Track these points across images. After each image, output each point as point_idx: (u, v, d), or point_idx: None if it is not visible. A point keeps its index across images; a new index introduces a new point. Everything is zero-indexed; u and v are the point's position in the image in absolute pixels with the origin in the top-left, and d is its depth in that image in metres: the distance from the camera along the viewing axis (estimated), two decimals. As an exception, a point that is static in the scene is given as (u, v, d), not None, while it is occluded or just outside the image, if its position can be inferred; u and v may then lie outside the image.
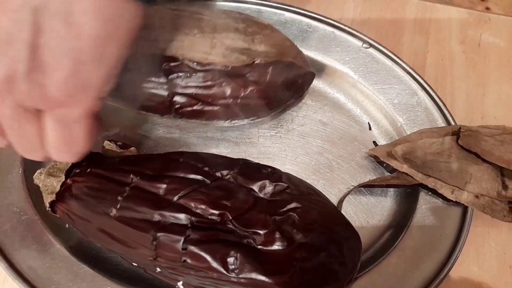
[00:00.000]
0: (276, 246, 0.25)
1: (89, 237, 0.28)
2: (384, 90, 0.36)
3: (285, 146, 0.35)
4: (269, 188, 0.27)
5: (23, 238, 0.29)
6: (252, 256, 0.24)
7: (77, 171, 0.27)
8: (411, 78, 0.36)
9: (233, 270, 0.24)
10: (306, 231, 0.25)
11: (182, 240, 0.24)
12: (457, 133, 0.32)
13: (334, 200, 0.33)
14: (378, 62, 0.37)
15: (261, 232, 0.25)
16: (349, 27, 0.37)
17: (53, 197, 0.27)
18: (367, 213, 0.33)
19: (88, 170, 0.27)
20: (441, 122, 0.35)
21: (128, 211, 0.25)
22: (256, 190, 0.27)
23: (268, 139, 0.35)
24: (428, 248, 0.31)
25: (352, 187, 0.33)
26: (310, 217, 0.26)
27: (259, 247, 0.25)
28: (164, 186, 0.26)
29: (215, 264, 0.24)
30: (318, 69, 0.37)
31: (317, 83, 0.37)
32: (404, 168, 0.32)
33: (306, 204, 0.26)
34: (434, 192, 0.32)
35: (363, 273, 0.30)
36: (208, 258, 0.24)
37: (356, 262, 0.27)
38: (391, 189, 0.34)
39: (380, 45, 0.37)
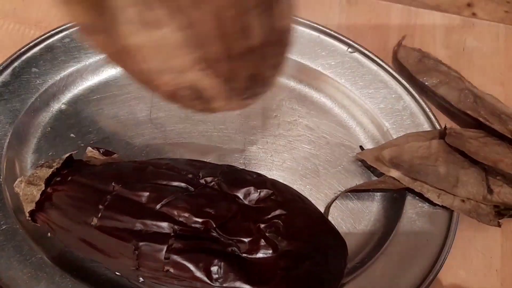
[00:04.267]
0: (261, 254, 0.24)
1: (70, 247, 0.27)
2: (370, 94, 0.36)
3: (272, 151, 0.35)
4: (254, 195, 0.27)
5: (2, 248, 0.28)
6: (236, 265, 0.24)
7: (58, 179, 0.27)
8: (397, 83, 0.36)
9: (216, 280, 0.23)
10: (291, 239, 0.25)
11: (164, 249, 0.24)
12: (443, 135, 0.32)
13: (321, 206, 0.33)
14: (364, 66, 0.37)
15: (245, 240, 0.24)
16: (334, 31, 0.37)
17: (33, 206, 0.26)
18: (354, 219, 0.33)
19: (69, 178, 0.27)
20: (427, 127, 0.35)
21: (109, 220, 0.25)
22: (241, 197, 0.26)
23: (255, 145, 0.35)
24: (415, 252, 0.31)
25: (339, 192, 0.33)
26: (295, 224, 0.26)
27: (244, 255, 0.24)
28: (146, 194, 0.25)
29: (198, 274, 0.23)
30: (304, 73, 0.37)
31: (303, 88, 0.37)
32: (391, 172, 0.32)
33: (291, 211, 0.26)
34: (420, 197, 0.32)
35: (350, 278, 0.30)
36: (192, 267, 0.23)
37: (342, 270, 0.27)
38: (378, 194, 0.34)
39: (366, 49, 0.37)
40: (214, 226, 0.25)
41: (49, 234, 0.29)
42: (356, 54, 0.37)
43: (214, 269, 0.23)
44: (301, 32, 0.38)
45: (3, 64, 0.34)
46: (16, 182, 0.28)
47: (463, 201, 0.31)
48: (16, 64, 0.34)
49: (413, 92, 0.36)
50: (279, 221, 0.25)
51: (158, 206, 0.25)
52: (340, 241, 0.27)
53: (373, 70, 0.37)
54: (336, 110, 0.37)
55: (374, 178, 0.34)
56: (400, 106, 0.36)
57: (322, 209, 0.33)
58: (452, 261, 0.32)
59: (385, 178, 0.33)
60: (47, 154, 0.33)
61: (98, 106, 0.35)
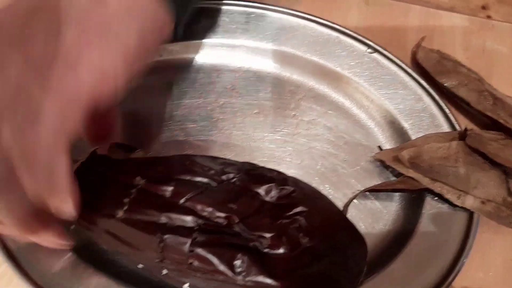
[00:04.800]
0: (282, 250, 0.25)
1: (95, 239, 0.27)
2: (389, 95, 0.36)
3: (290, 150, 0.35)
4: (275, 192, 0.27)
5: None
6: (259, 260, 0.24)
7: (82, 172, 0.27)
8: (416, 84, 0.36)
9: (239, 273, 0.24)
10: (312, 236, 0.25)
11: (189, 243, 0.24)
12: (463, 136, 0.32)
13: (340, 204, 0.33)
14: (383, 67, 0.37)
15: (267, 235, 0.25)
16: (354, 31, 0.38)
17: None
18: (372, 218, 0.33)
19: (94, 171, 0.27)
20: (446, 128, 0.35)
21: (135, 213, 0.25)
22: (262, 193, 0.27)
23: (273, 143, 0.35)
24: (433, 254, 0.31)
25: (357, 192, 0.33)
26: (316, 221, 0.26)
27: (265, 250, 0.24)
28: (170, 188, 0.26)
29: (221, 267, 0.24)
30: (323, 74, 0.37)
31: (322, 88, 0.37)
32: (410, 172, 0.32)
33: (312, 208, 0.26)
34: (440, 198, 0.32)
35: (368, 278, 0.30)
36: (215, 260, 0.24)
37: (362, 268, 0.27)
38: (397, 194, 0.34)
39: (385, 50, 0.37)
40: (237, 221, 0.25)
41: (73, 226, 0.30)
42: (375, 55, 0.37)
43: (237, 263, 0.24)
44: (320, 32, 0.38)
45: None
46: None
47: (483, 202, 0.31)
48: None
49: (433, 93, 0.36)
50: (301, 218, 0.25)
51: (182, 201, 0.25)
52: (360, 239, 0.27)
53: (392, 70, 0.37)
54: (355, 110, 0.37)
55: (393, 178, 0.34)
56: (419, 107, 0.36)
57: (340, 208, 0.33)
58: (471, 263, 0.31)
59: (403, 178, 0.33)
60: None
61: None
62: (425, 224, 0.32)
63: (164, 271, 0.25)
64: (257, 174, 0.28)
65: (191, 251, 0.24)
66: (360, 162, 0.35)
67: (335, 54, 0.37)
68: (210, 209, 0.25)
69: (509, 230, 0.32)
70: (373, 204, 0.33)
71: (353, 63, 0.37)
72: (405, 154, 0.32)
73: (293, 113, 0.37)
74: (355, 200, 0.33)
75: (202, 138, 0.35)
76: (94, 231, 0.27)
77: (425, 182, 0.32)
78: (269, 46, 0.38)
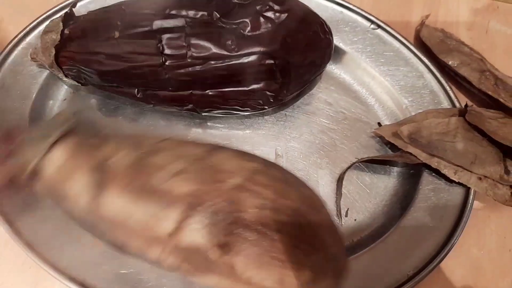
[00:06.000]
0: (263, 29, 0.29)
1: (101, 73, 0.30)
2: (390, 71, 0.36)
3: (290, 124, 0.35)
4: None
5: (25, 202, 0.29)
6: (246, 37, 0.28)
7: (71, 22, 0.31)
8: (418, 61, 0.36)
9: (233, 49, 0.28)
10: (284, 11, 0.29)
11: (184, 36, 0.28)
12: (463, 113, 0.32)
13: (336, 179, 0.33)
14: (385, 43, 0.37)
15: (247, 20, 0.28)
16: (357, 7, 0.37)
17: (56, 43, 0.30)
18: (369, 193, 0.33)
19: (81, 17, 0.31)
20: (446, 105, 0.35)
21: (129, 28, 0.29)
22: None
23: (273, 116, 0.35)
24: (429, 228, 0.31)
25: (356, 164, 0.33)
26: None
27: (248, 34, 0.28)
28: (154, 5, 0.29)
29: (217, 49, 0.28)
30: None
31: (323, 63, 0.37)
32: (409, 148, 0.32)
33: None
34: (437, 173, 0.32)
35: (365, 250, 0.30)
36: (210, 45, 0.28)
37: (329, 39, 0.32)
38: (394, 170, 0.34)
39: (389, 26, 0.37)
40: (219, 16, 0.29)
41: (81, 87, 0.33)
42: (379, 31, 0.37)
43: (228, 42, 0.28)
44: (323, 6, 0.38)
45: (30, 26, 0.34)
46: (31, 50, 0.32)
47: (480, 178, 0.31)
48: (42, 27, 0.35)
49: (435, 71, 0.36)
50: (271, 1, 0.29)
51: (167, 11, 0.29)
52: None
53: (395, 47, 0.37)
54: (355, 86, 0.37)
55: (391, 153, 0.34)
56: (420, 84, 0.36)
57: (335, 180, 0.33)
58: (466, 239, 0.32)
59: (401, 153, 0.33)
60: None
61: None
62: (421, 199, 0.32)
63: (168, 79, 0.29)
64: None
65: (187, 42, 0.28)
66: (359, 138, 0.35)
67: (338, 29, 0.37)
68: (193, 11, 0.29)
69: (504, 207, 0.32)
70: (371, 179, 0.34)
71: (355, 39, 0.37)
72: (404, 130, 0.32)
73: (294, 87, 0.36)
74: (353, 175, 0.33)
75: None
76: (96, 62, 0.29)
77: (423, 157, 0.32)
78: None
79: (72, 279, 0.26)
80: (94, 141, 0.26)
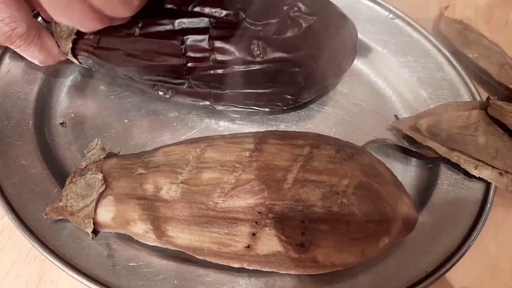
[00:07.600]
0: (289, 33, 0.27)
1: (118, 68, 0.29)
2: (409, 62, 0.35)
3: (304, 115, 0.34)
4: None
5: (31, 191, 0.28)
6: (272, 41, 0.27)
7: None
8: (438, 52, 0.35)
9: (258, 55, 0.27)
10: (312, 14, 0.28)
11: (207, 38, 0.26)
12: (485, 106, 0.31)
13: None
14: (404, 34, 0.36)
15: (273, 21, 0.27)
16: (375, -4, 0.36)
17: (72, 38, 0.28)
18: (385, 187, 0.32)
19: None
20: (466, 98, 0.34)
21: (151, 26, 0.27)
22: None
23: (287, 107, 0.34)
24: (447, 224, 0.30)
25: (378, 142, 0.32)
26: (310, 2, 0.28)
27: (274, 36, 0.27)
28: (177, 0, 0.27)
29: (241, 54, 0.27)
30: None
31: (339, 53, 0.36)
32: (428, 142, 0.31)
33: None
34: (456, 168, 0.31)
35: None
36: (234, 49, 0.27)
37: (355, 42, 0.31)
38: (411, 164, 0.33)
39: (407, 16, 0.36)
40: (244, 16, 0.27)
41: (93, 69, 0.31)
42: (397, 21, 0.36)
43: (253, 47, 0.26)
44: (341, -6, 0.36)
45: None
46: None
47: (501, 174, 0.30)
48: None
49: (455, 63, 0.34)
50: (299, 2, 0.28)
51: (190, 8, 0.27)
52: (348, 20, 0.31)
53: (414, 38, 0.36)
54: (372, 77, 0.36)
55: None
56: (439, 76, 0.35)
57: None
58: (484, 235, 0.31)
59: (419, 147, 0.32)
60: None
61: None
62: (440, 194, 0.31)
63: (187, 84, 0.28)
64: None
65: (211, 45, 0.26)
66: (375, 131, 0.34)
67: (355, 18, 0.35)
68: (217, 9, 0.27)
69: (525, 204, 0.31)
70: (388, 172, 0.33)
71: (373, 29, 0.36)
72: (424, 123, 0.31)
73: (309, 78, 0.35)
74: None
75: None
76: (114, 58, 0.28)
77: (442, 151, 0.31)
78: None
79: (78, 271, 0.25)
80: (135, 179, 0.25)
